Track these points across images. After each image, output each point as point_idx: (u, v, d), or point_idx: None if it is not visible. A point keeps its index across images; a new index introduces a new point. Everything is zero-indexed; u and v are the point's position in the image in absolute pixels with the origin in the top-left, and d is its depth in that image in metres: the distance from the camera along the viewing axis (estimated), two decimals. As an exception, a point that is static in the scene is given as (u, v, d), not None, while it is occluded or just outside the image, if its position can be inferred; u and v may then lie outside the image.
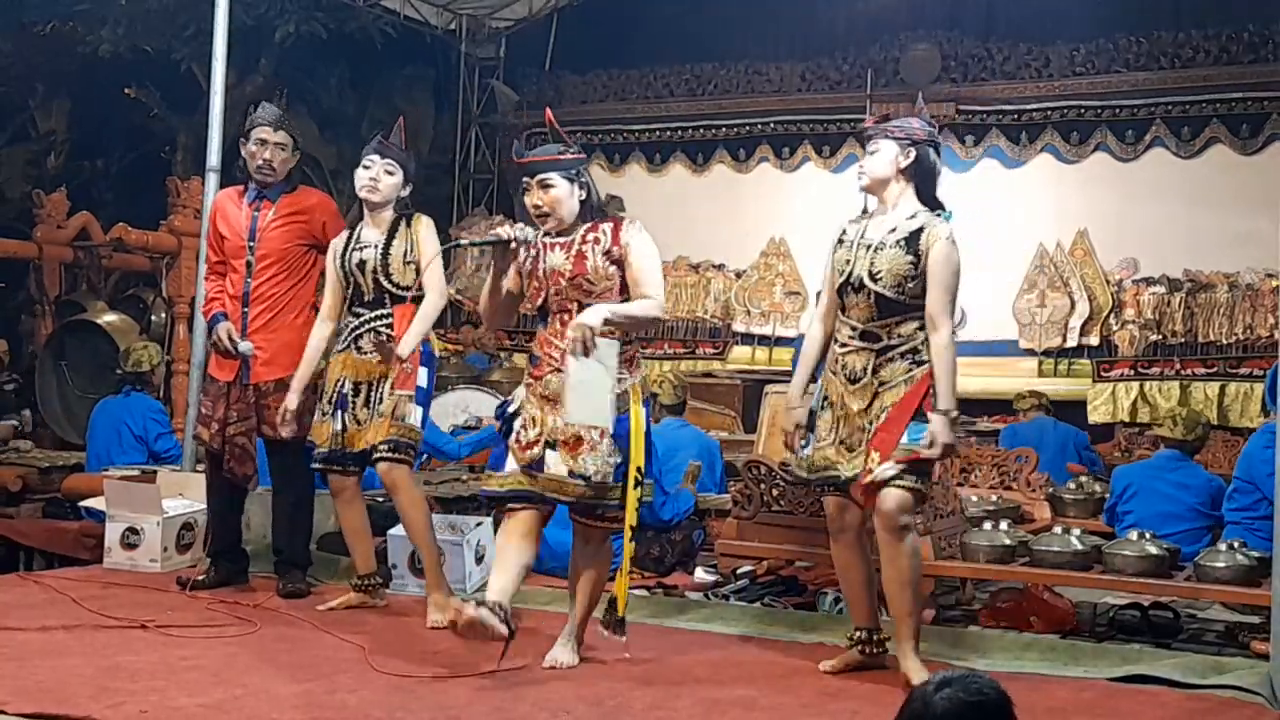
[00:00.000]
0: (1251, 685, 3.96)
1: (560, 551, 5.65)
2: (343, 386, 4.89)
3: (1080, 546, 4.84)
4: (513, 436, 4.16)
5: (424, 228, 4.95)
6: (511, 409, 4.23)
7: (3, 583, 5.43)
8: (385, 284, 4.87)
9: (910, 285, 4.02)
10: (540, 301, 4.21)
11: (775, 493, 5.25)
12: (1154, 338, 10.16)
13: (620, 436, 4.07)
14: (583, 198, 4.20)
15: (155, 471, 6.41)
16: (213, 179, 6.28)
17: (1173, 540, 5.43)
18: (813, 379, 4.29)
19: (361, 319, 4.91)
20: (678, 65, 12.42)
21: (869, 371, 4.04)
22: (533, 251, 4.19)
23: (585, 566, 4.27)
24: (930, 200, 4.16)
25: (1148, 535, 4.87)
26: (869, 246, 4.09)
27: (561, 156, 4.20)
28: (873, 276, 4.04)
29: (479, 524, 5.50)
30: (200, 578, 5.25)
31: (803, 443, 4.21)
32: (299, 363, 5.19)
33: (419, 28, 12.18)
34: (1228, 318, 9.99)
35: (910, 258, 4.02)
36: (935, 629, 4.80)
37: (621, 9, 12.14)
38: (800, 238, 11.67)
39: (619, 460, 4.07)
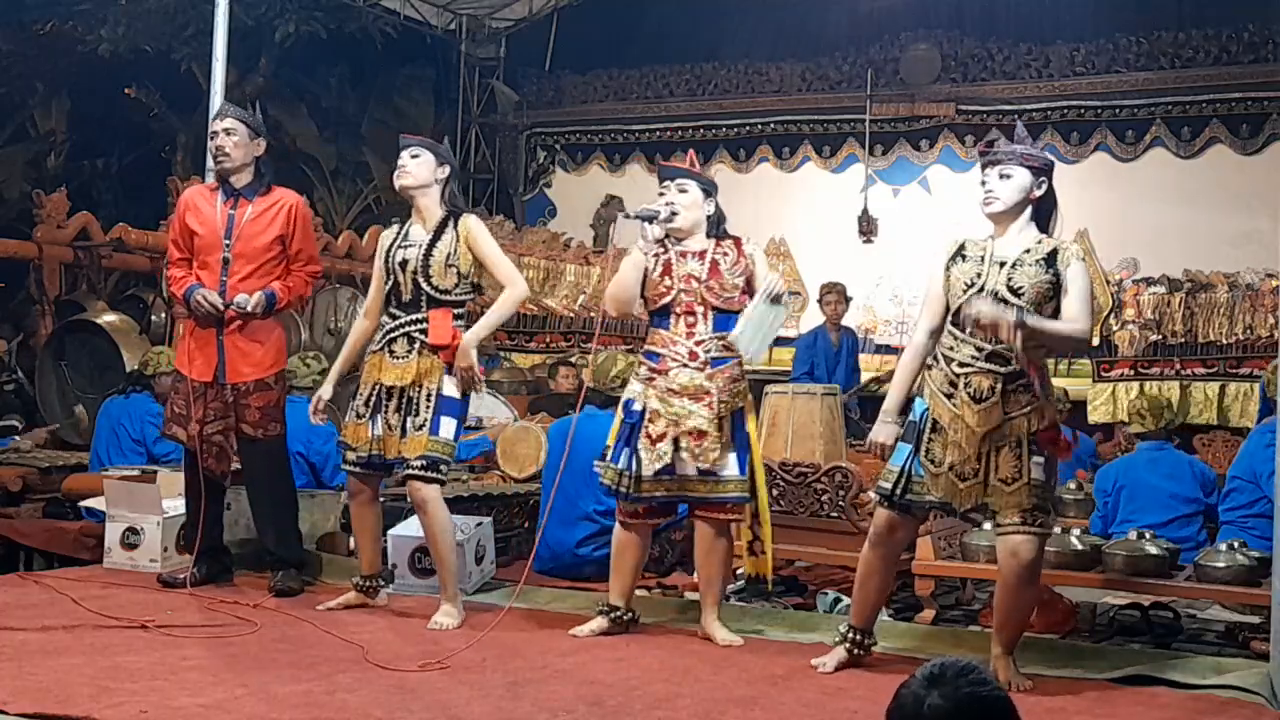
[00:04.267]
0: (1251, 685, 3.96)
1: (560, 551, 5.67)
2: (378, 391, 4.83)
3: (1080, 546, 4.85)
4: (642, 432, 4.46)
5: (474, 226, 4.85)
6: (637, 406, 4.50)
7: (3, 583, 5.42)
8: (424, 285, 4.78)
9: (1047, 305, 4.02)
10: (665, 302, 4.53)
11: (775, 493, 5.25)
12: (1154, 338, 10.14)
13: (742, 433, 4.51)
14: (709, 212, 4.63)
15: (155, 471, 6.40)
16: (212, 179, 6.26)
17: (1167, 529, 5.45)
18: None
19: (397, 321, 4.82)
20: (678, 65, 12.43)
21: (996, 393, 4.00)
22: (663, 256, 4.56)
23: (716, 554, 4.59)
24: (1045, 230, 4.16)
25: (1148, 535, 4.88)
26: (1002, 263, 4.06)
27: (697, 170, 4.75)
28: (1014, 291, 4.00)
29: (479, 524, 5.50)
30: (183, 576, 5.24)
31: (891, 461, 4.18)
32: (277, 362, 5.23)
33: (419, 28, 12.19)
34: (1228, 318, 9.96)
35: (1049, 276, 4.02)
36: (935, 629, 4.80)
37: (621, 9, 12.14)
38: (800, 238, 11.67)
39: (735, 452, 4.47)
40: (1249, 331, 9.85)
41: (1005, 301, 4.00)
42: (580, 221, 12.63)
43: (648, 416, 4.47)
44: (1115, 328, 10.36)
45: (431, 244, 4.81)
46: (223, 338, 5.18)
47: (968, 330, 4.05)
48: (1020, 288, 4.01)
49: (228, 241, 5.19)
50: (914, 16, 11.55)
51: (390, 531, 5.42)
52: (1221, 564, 4.66)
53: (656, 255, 4.56)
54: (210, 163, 6.25)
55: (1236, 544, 4.77)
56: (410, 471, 4.76)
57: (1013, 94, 11.08)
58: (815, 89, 11.85)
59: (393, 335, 4.81)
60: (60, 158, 13.39)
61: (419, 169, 4.87)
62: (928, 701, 1.98)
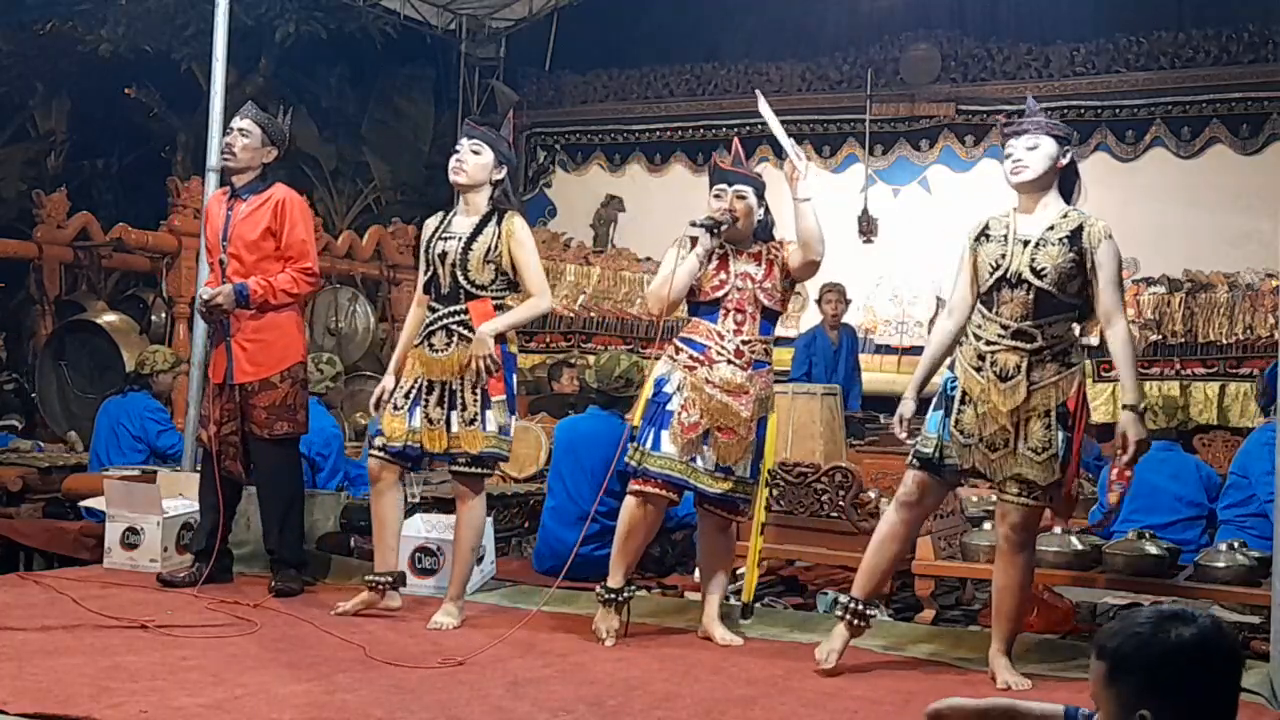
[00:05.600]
0: (1251, 685, 3.95)
1: (561, 550, 5.66)
2: (419, 384, 4.79)
3: (1080, 546, 4.85)
4: (674, 418, 4.48)
5: (518, 228, 4.78)
6: (670, 388, 4.52)
7: (3, 583, 5.42)
8: (461, 279, 4.75)
9: (1071, 283, 4.03)
10: (717, 296, 4.56)
11: (775, 493, 5.25)
12: (1154, 338, 10.14)
13: (760, 438, 4.57)
14: (760, 216, 4.65)
15: (155, 471, 6.40)
16: (213, 179, 6.27)
17: (1169, 530, 5.45)
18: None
19: (436, 314, 4.79)
20: (678, 65, 12.43)
21: (1021, 370, 4.02)
22: (718, 252, 4.59)
23: (720, 551, 4.71)
24: (1069, 201, 4.17)
25: (1147, 535, 4.87)
26: (1026, 242, 4.07)
27: (756, 175, 4.73)
28: (1036, 273, 4.02)
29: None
30: (184, 575, 5.26)
31: (927, 428, 4.20)
32: (282, 360, 5.20)
33: (419, 28, 12.18)
34: (1228, 318, 9.97)
35: (1073, 255, 4.02)
36: (935, 629, 4.80)
37: (621, 9, 12.14)
38: (800, 237, 11.65)
39: (752, 456, 4.54)
40: (1249, 331, 9.85)
41: (1024, 283, 4.03)
42: (580, 221, 12.63)
43: (682, 404, 4.48)
44: (1115, 328, 10.36)
45: (472, 238, 4.76)
46: (229, 338, 5.19)
47: (994, 310, 4.09)
48: (1043, 269, 4.03)
49: (224, 242, 5.21)
50: (914, 16, 11.55)
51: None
52: (1221, 564, 4.65)
53: (710, 251, 4.58)
54: (210, 162, 6.29)
55: (1237, 544, 4.77)
56: (457, 469, 4.77)
57: (1013, 94, 11.06)
58: (815, 89, 11.85)
59: (432, 328, 4.79)
60: (60, 158, 13.39)
61: (475, 169, 4.82)
62: (1175, 632, 2.01)
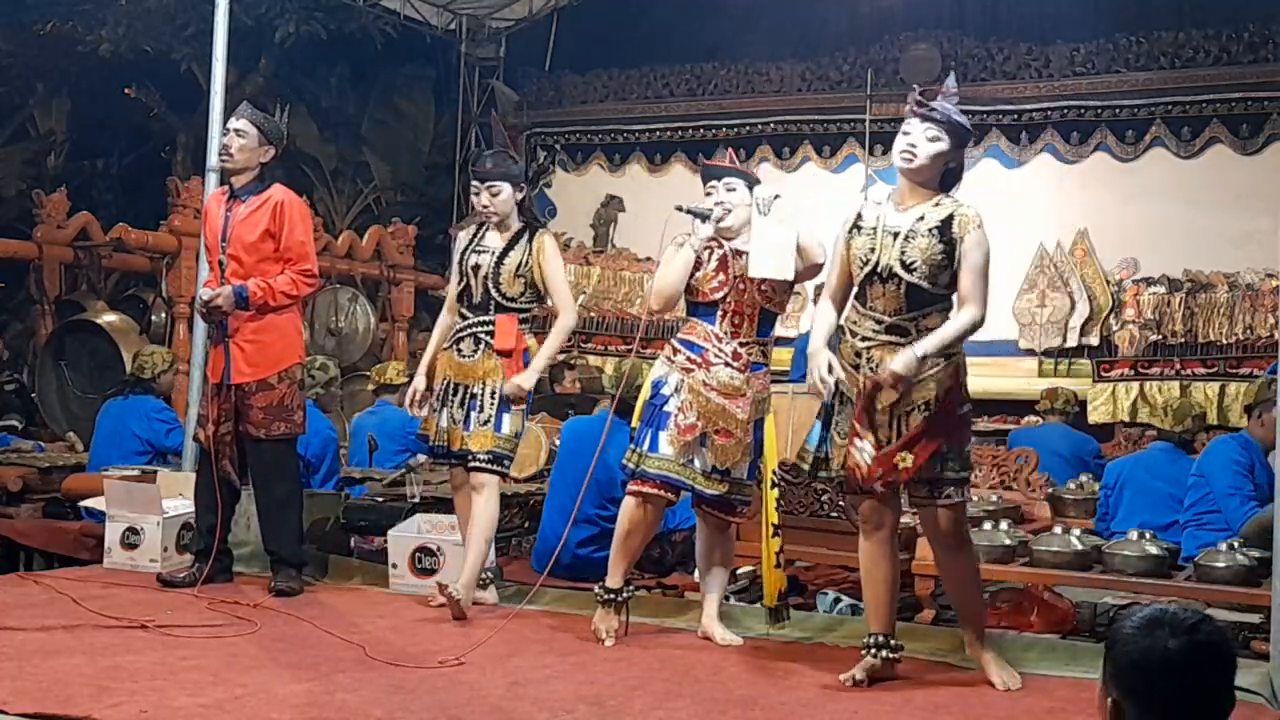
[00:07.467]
0: (1251, 685, 3.95)
1: (561, 551, 5.66)
2: (447, 385, 5.05)
3: (1080, 546, 4.85)
4: (671, 419, 4.49)
5: (548, 245, 5.05)
6: (667, 390, 4.53)
7: (3, 583, 5.43)
8: (493, 291, 5.01)
9: (942, 275, 3.95)
10: (716, 298, 4.54)
11: (776, 493, 5.25)
12: (1154, 338, 10.15)
13: (758, 439, 4.58)
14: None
15: (155, 471, 6.40)
16: (213, 179, 6.27)
17: (1165, 533, 5.47)
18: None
19: (467, 322, 5.06)
20: (678, 65, 12.41)
21: None
22: (718, 251, 4.58)
23: (718, 552, 4.74)
24: (947, 190, 4.07)
25: (1148, 535, 4.88)
26: (896, 235, 3.97)
27: (744, 169, 4.84)
28: (906, 266, 3.93)
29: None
30: (184, 575, 5.27)
31: (808, 444, 4.17)
32: (280, 361, 5.23)
33: (419, 28, 12.18)
34: (1228, 318, 9.97)
35: (942, 246, 3.92)
36: (935, 629, 4.80)
37: (621, 9, 12.13)
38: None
39: (750, 458, 4.54)
40: (1249, 331, 9.85)
41: (894, 278, 3.94)
42: (580, 221, 12.62)
43: (679, 406, 4.50)
44: (1115, 328, 10.37)
45: (504, 253, 5.02)
46: (227, 339, 5.20)
47: (868, 305, 4.02)
48: (913, 262, 3.93)
49: (224, 243, 5.23)
50: (914, 16, 11.52)
51: (390, 532, 5.43)
52: (1221, 564, 4.66)
53: (709, 249, 4.59)
54: (210, 162, 6.29)
55: (1237, 544, 4.77)
56: (474, 464, 4.96)
57: (1013, 94, 11.06)
58: (815, 89, 11.83)
59: (462, 335, 5.06)
60: (60, 158, 13.40)
61: (502, 205, 5.08)
62: (1170, 642, 1.96)
